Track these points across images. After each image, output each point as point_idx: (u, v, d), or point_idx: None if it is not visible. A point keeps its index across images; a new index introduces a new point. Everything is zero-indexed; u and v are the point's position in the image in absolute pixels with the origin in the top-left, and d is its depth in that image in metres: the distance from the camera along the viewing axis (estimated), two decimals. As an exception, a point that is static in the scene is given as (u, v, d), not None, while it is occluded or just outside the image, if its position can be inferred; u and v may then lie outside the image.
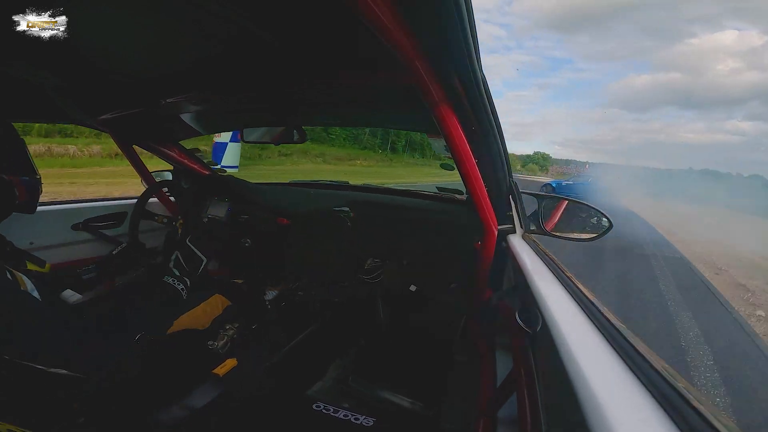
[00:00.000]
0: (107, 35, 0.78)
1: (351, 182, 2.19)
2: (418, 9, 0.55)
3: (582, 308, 0.60)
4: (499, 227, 1.20)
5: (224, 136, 9.84)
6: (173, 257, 1.21)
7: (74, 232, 1.60)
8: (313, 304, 1.81)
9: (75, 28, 0.68)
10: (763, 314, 4.40)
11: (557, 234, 1.32)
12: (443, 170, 1.46)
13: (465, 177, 1.03)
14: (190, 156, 1.95)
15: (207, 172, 2.04)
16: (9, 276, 0.78)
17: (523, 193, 1.31)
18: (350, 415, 1.17)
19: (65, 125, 10.08)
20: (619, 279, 5.03)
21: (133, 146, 1.71)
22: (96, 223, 1.68)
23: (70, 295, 1.08)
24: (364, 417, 1.17)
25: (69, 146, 13.11)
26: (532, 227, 1.29)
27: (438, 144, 1.29)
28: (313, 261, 1.89)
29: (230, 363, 1.26)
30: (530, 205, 1.34)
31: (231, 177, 2.11)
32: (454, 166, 1.02)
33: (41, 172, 0.99)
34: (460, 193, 1.70)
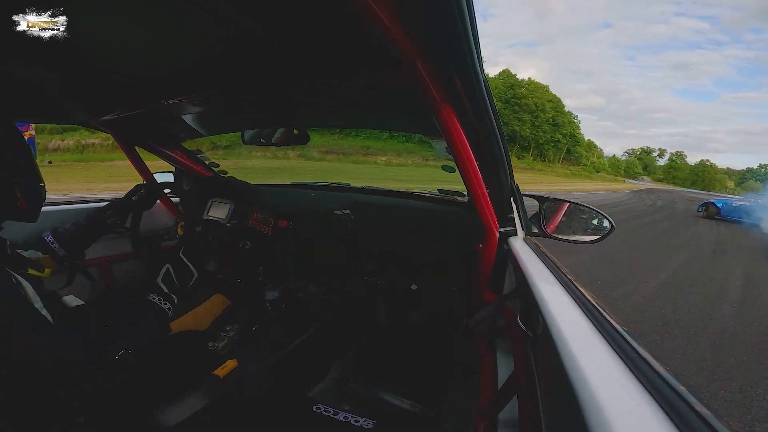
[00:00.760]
0: (108, 35, 0.78)
1: (352, 184, 2.19)
2: (418, 9, 0.54)
3: (584, 311, 0.59)
4: (501, 229, 1.20)
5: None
6: (163, 270, 1.14)
7: None
8: (314, 305, 1.81)
9: (76, 27, 0.68)
10: None
11: (559, 236, 1.32)
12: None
13: (466, 179, 1.02)
14: (191, 157, 1.96)
15: (209, 174, 2.04)
16: (14, 281, 0.78)
17: (525, 195, 1.31)
18: (350, 417, 1.17)
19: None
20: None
21: (135, 147, 1.72)
22: None
23: (71, 300, 1.07)
24: (364, 419, 1.17)
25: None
26: (534, 229, 1.29)
27: (439, 146, 1.29)
28: (314, 262, 1.89)
29: (230, 364, 1.26)
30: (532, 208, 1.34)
31: (232, 178, 2.11)
32: (455, 168, 1.02)
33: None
34: (461, 195, 1.70)
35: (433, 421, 1.25)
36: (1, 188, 0.82)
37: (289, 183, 2.30)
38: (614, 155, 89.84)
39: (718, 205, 14.36)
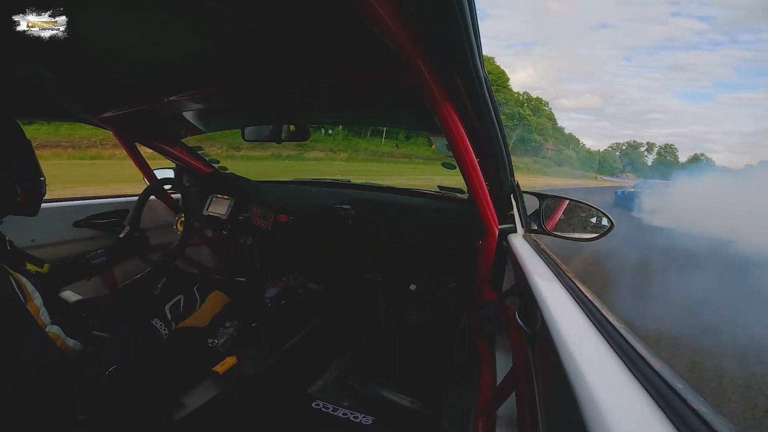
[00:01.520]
0: (108, 33, 0.78)
1: (352, 180, 2.19)
2: (419, 7, 0.54)
3: (582, 308, 0.60)
4: (500, 226, 1.20)
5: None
6: (175, 300, 1.20)
7: (76, 229, 1.60)
8: (314, 301, 1.82)
9: (76, 26, 0.68)
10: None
11: (558, 233, 1.32)
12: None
13: (466, 176, 1.03)
14: (192, 154, 1.96)
15: (209, 170, 2.04)
16: (12, 281, 0.78)
17: (525, 192, 1.31)
18: (349, 414, 1.17)
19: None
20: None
21: (135, 144, 1.72)
22: (98, 220, 1.68)
23: (70, 296, 1.07)
24: (363, 415, 1.17)
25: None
26: (534, 227, 1.29)
27: (440, 143, 1.29)
28: (314, 259, 1.89)
29: (230, 361, 1.26)
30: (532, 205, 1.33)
31: (232, 174, 2.11)
32: (456, 165, 1.02)
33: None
34: (462, 192, 1.70)
35: (432, 417, 1.26)
36: (1, 184, 0.82)
37: (289, 179, 2.31)
38: (589, 148, 78.76)
39: (618, 194, 15.04)
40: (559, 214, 1.39)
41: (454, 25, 0.56)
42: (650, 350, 0.44)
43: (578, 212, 1.44)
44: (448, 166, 1.36)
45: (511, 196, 1.25)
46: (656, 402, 0.35)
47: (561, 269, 0.81)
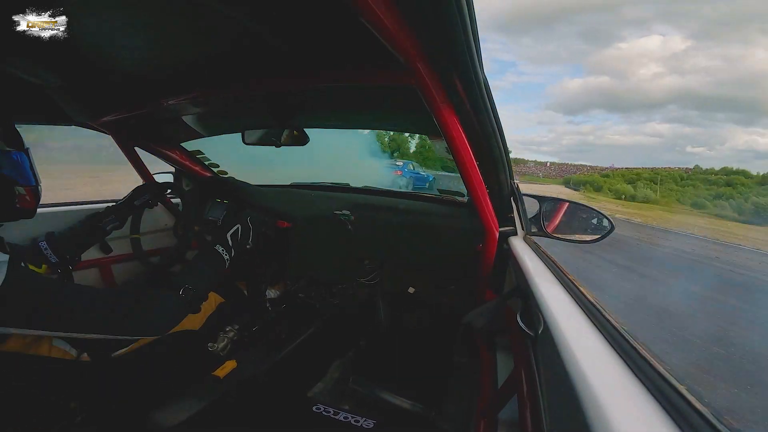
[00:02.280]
0: (108, 36, 0.78)
1: (352, 185, 2.18)
2: (418, 9, 0.55)
3: (584, 310, 0.60)
4: (501, 229, 1.20)
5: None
6: (234, 228, 1.24)
7: None
8: (314, 305, 1.81)
9: (76, 28, 0.68)
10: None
11: (559, 236, 1.32)
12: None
13: (466, 179, 1.02)
14: (191, 158, 1.96)
15: (208, 174, 2.04)
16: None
17: (525, 195, 1.31)
18: (350, 417, 1.17)
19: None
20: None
21: (135, 148, 1.71)
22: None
23: None
24: (364, 419, 1.17)
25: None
26: (534, 229, 1.29)
27: (439, 146, 1.29)
28: (314, 263, 1.89)
29: (230, 365, 1.26)
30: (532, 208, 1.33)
31: (232, 179, 2.11)
32: (455, 168, 1.02)
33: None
34: (461, 195, 1.69)
35: (433, 420, 1.25)
36: (1, 186, 0.83)
37: (288, 183, 2.30)
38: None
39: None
40: (560, 217, 1.39)
41: (453, 28, 0.56)
42: (652, 351, 0.44)
43: (578, 214, 1.44)
44: (447, 169, 1.36)
45: (511, 198, 1.25)
46: (660, 404, 0.35)
47: (562, 271, 0.81)
